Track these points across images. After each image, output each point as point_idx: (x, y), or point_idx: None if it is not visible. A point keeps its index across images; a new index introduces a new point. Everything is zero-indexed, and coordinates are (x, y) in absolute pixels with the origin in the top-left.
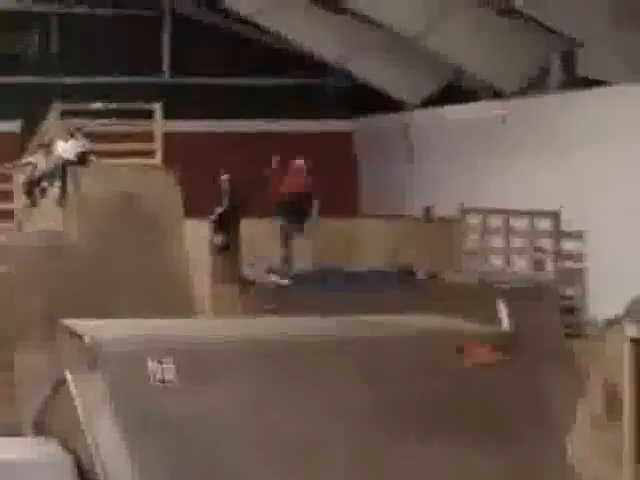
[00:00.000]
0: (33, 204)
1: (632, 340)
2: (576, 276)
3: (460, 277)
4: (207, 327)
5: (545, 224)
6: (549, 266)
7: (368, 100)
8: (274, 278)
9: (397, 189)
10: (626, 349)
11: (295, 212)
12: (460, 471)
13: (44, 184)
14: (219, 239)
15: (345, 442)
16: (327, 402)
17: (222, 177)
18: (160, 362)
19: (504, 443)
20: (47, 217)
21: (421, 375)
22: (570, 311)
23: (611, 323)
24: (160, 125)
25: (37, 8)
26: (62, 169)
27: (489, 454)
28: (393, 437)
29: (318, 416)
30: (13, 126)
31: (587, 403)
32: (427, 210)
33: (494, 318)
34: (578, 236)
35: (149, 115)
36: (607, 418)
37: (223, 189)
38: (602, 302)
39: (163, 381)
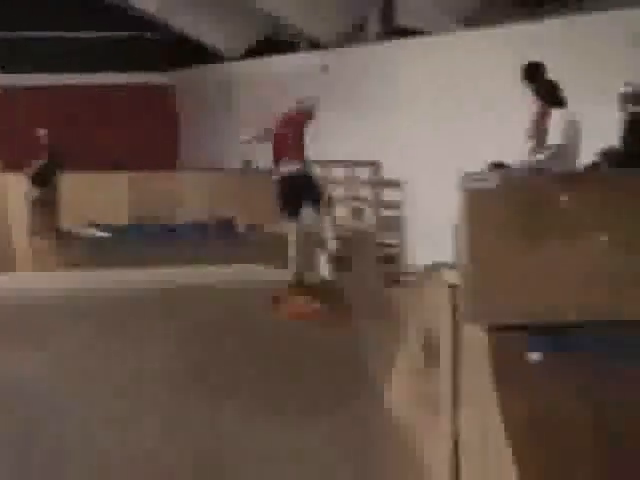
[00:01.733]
0: None
1: (450, 286)
2: (395, 224)
3: (280, 228)
4: (24, 281)
5: (365, 173)
6: (369, 215)
7: (191, 53)
8: (92, 231)
9: (218, 143)
10: (444, 295)
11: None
12: (277, 429)
13: None
14: (36, 193)
15: (159, 403)
16: (141, 360)
17: (40, 131)
18: None
19: (323, 395)
20: None
21: (238, 327)
22: (390, 259)
23: (430, 270)
24: None
25: None
26: None
27: (307, 408)
28: (206, 395)
29: (127, 375)
30: None
31: (406, 351)
32: (246, 163)
33: (314, 267)
34: (397, 185)
35: None
36: (426, 365)
37: (41, 143)
38: (421, 250)
39: None
